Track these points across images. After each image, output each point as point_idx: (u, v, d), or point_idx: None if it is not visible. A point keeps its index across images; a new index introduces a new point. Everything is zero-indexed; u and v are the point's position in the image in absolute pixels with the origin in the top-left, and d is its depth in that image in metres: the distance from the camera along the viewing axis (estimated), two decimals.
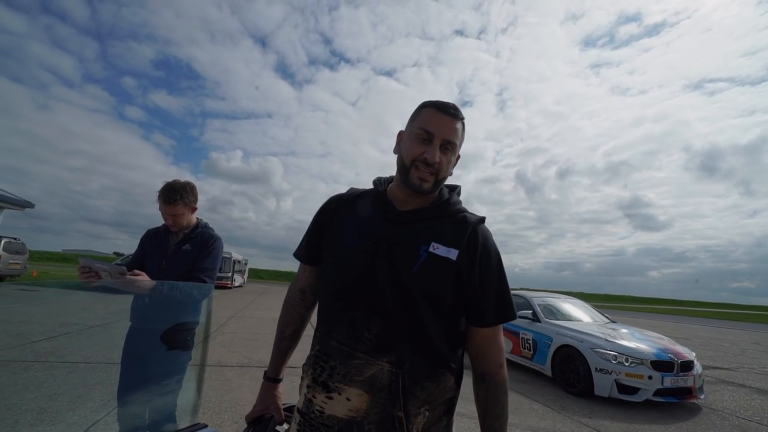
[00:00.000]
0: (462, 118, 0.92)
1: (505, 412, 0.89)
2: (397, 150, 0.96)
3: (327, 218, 1.01)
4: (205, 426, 0.81)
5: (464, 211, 0.95)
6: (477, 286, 0.87)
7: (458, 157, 0.96)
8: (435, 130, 0.88)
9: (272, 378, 1.06)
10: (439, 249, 0.86)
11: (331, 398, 0.84)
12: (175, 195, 1.97)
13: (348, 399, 0.83)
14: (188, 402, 1.57)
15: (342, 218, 0.98)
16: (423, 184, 0.89)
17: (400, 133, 0.97)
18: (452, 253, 0.85)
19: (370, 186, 1.05)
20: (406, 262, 0.85)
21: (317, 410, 0.85)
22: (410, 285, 0.83)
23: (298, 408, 0.92)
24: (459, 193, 1.01)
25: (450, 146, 0.89)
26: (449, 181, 0.99)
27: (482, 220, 0.95)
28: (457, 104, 0.92)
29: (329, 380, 0.85)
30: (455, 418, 0.93)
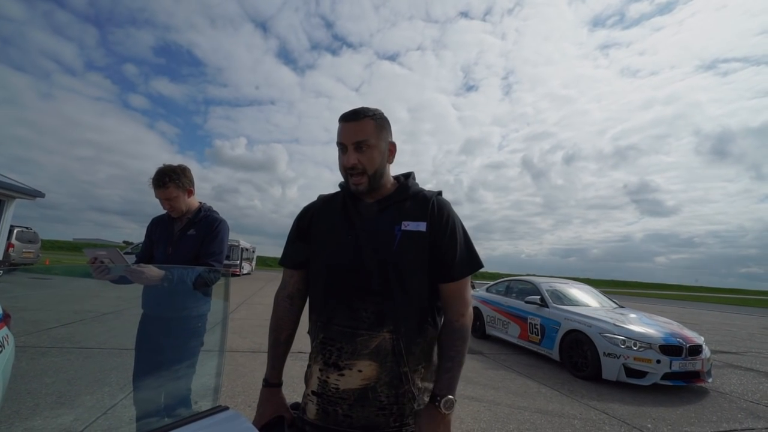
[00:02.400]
0: (368, 115, 1.03)
1: (458, 358, 0.98)
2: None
3: (306, 225, 1.13)
4: (226, 408, 0.82)
5: (422, 190, 1.11)
6: (446, 249, 1.02)
7: (391, 144, 1.09)
8: (344, 139, 1.02)
9: (274, 383, 1.10)
10: (409, 225, 1.01)
11: (343, 375, 0.96)
12: (165, 177, 1.93)
13: (360, 371, 0.96)
14: (209, 385, 1.60)
15: (320, 222, 1.10)
16: (358, 186, 1.03)
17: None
18: (421, 226, 1.01)
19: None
20: (386, 243, 0.99)
21: (333, 388, 0.97)
22: (394, 261, 0.98)
23: (312, 391, 1.01)
24: (413, 178, 1.15)
25: (363, 144, 1.01)
26: (398, 169, 1.15)
27: (439, 193, 1.11)
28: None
29: (339, 360, 0.97)
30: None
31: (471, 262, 1.05)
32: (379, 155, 1.04)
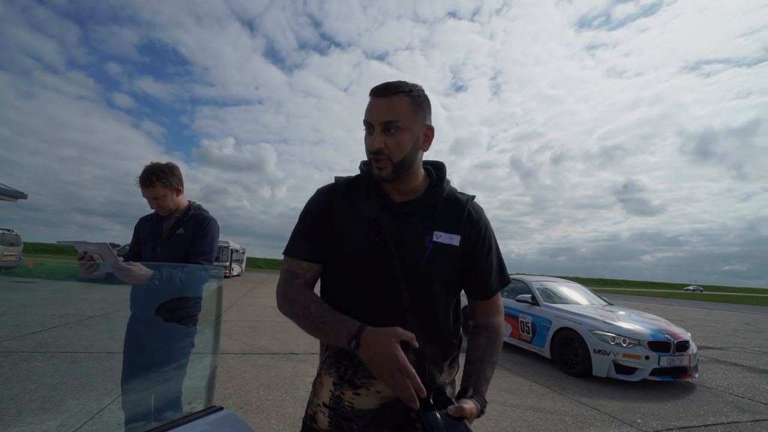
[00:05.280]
0: (403, 90, 0.85)
1: (495, 366, 0.92)
2: None
3: (326, 213, 0.93)
4: (221, 408, 0.79)
5: (455, 192, 0.98)
6: (482, 266, 0.94)
7: (429, 128, 0.91)
8: (370, 117, 0.86)
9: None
10: (441, 237, 0.89)
11: (359, 394, 0.86)
12: (152, 176, 1.89)
13: (378, 391, 0.85)
14: (202, 386, 1.56)
15: (343, 213, 0.92)
16: (381, 173, 0.87)
17: None
18: (455, 239, 0.90)
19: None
20: (415, 255, 0.87)
21: (347, 406, 0.86)
22: (423, 276, 0.87)
23: (324, 402, 0.89)
24: (445, 172, 0.99)
25: (393, 126, 0.84)
26: (430, 157, 0.99)
27: (473, 198, 0.98)
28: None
29: (354, 377, 0.86)
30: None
31: (501, 279, 0.98)
32: (410, 140, 0.86)
